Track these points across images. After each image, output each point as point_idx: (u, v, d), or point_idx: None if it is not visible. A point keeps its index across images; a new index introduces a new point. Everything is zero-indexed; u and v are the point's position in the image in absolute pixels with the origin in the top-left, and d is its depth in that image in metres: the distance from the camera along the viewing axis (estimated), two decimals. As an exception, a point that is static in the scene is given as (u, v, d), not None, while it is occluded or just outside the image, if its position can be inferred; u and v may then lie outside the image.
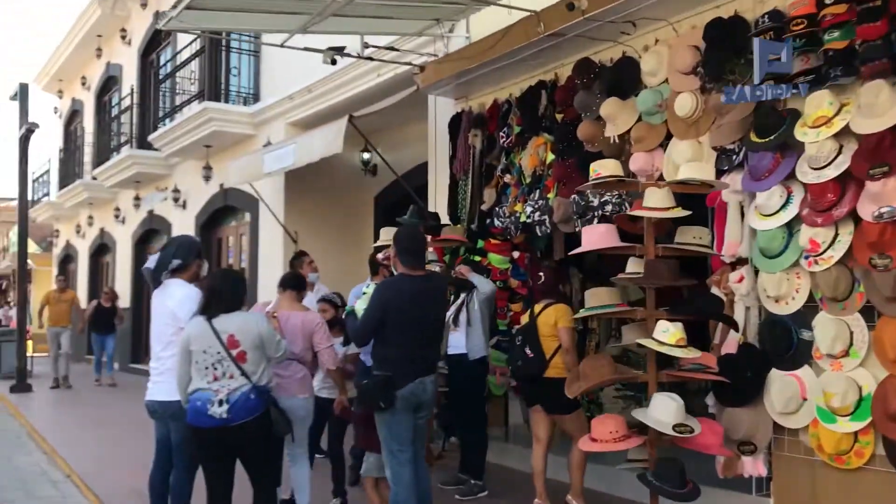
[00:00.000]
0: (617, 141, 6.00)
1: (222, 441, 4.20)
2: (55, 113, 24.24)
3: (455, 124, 7.94)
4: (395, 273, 4.79)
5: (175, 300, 4.60)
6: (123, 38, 18.35)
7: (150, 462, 4.89)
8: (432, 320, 4.69)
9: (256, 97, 12.56)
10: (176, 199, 14.92)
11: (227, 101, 12.96)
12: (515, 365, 5.40)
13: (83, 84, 21.32)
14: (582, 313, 5.01)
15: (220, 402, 4.12)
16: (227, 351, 4.20)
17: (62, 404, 12.58)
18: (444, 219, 7.72)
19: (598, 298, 4.93)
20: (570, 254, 5.41)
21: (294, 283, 5.42)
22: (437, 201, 8.13)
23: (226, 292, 4.35)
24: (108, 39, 19.23)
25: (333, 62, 7.37)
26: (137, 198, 16.67)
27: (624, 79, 6.10)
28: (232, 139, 12.53)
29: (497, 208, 7.17)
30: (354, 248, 11.61)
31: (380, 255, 6.09)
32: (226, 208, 13.66)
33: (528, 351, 5.24)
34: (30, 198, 17.45)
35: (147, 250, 17.55)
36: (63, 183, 21.38)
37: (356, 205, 11.95)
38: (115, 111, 18.75)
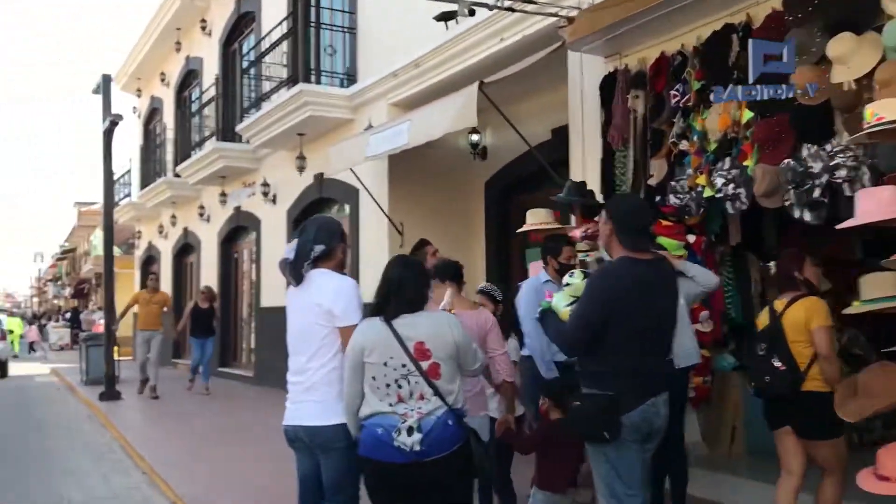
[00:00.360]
0: (853, 87, 4.69)
1: (411, 481, 3.15)
2: (134, 112, 23.83)
3: (608, 86, 6.72)
4: (610, 257, 3.60)
5: (327, 294, 3.53)
6: (203, 28, 17.69)
7: (279, 494, 3.79)
8: (664, 319, 3.51)
9: (353, 78, 11.51)
10: (265, 194, 14.05)
11: (318, 84, 11.94)
12: (762, 382, 4.11)
13: (162, 80, 20.80)
14: (858, 308, 3.73)
15: (410, 430, 3.08)
16: (416, 363, 3.12)
17: (155, 414, 11.65)
18: (599, 197, 6.52)
19: (877, 287, 3.66)
20: (839, 227, 4.11)
21: (457, 272, 4.32)
22: (587, 177, 6.88)
23: (408, 285, 3.27)
24: (187, 32, 18.59)
25: (472, 13, 6.27)
26: (223, 194, 15.84)
27: (856, 9, 4.81)
28: (328, 125, 11.52)
29: (672, 182, 5.94)
30: (465, 239, 10.53)
31: (576, 232, 4.89)
32: (321, 200, 12.68)
33: (776, 363, 3.98)
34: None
35: (233, 249, 16.81)
36: (144, 183, 20.92)
37: (465, 192, 10.83)
38: (195, 106, 18.08)
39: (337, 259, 3.71)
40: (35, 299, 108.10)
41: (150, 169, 20.88)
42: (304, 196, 12.87)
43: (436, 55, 9.13)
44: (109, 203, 14.49)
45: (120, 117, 13.79)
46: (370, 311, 3.29)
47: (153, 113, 22.36)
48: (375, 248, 10.66)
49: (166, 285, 20.22)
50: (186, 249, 19.63)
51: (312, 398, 3.55)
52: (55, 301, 76.10)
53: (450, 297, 3.94)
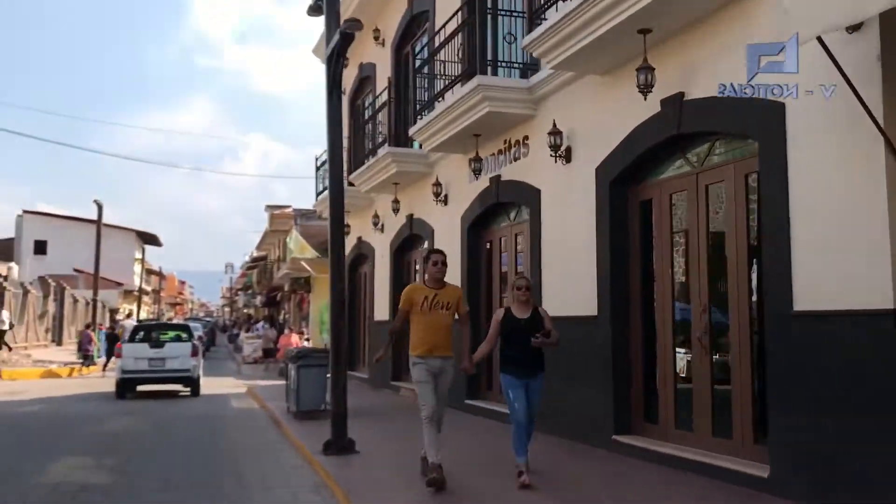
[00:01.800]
0: None
1: None
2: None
3: None
4: None
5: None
6: (377, 38, 17.24)
7: None
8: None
9: (534, 67, 10.38)
10: (437, 195, 13.27)
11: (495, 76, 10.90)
12: None
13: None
14: None
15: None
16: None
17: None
18: None
19: None
20: None
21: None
22: None
23: None
24: (359, 40, 18.24)
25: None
26: (396, 201, 15.28)
27: None
28: (506, 122, 10.53)
29: None
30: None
31: None
32: (498, 206, 11.70)
33: None
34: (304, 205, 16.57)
35: (405, 258, 16.22)
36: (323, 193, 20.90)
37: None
38: (369, 113, 17.73)
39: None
40: (226, 309, 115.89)
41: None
42: (481, 200, 11.91)
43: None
44: (337, 171, 9.92)
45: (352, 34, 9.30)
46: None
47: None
48: (578, 255, 9.41)
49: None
50: (360, 260, 19.30)
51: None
52: (245, 310, 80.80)
53: None
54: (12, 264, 51.18)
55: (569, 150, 9.30)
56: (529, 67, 10.49)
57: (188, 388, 17.36)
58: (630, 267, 8.41)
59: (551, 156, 9.33)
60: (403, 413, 11.98)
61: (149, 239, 70.83)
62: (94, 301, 26.91)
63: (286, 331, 20.69)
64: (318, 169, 18.63)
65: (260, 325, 31.59)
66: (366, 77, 18.52)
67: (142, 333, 18.50)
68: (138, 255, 68.98)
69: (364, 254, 18.66)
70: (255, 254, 57.12)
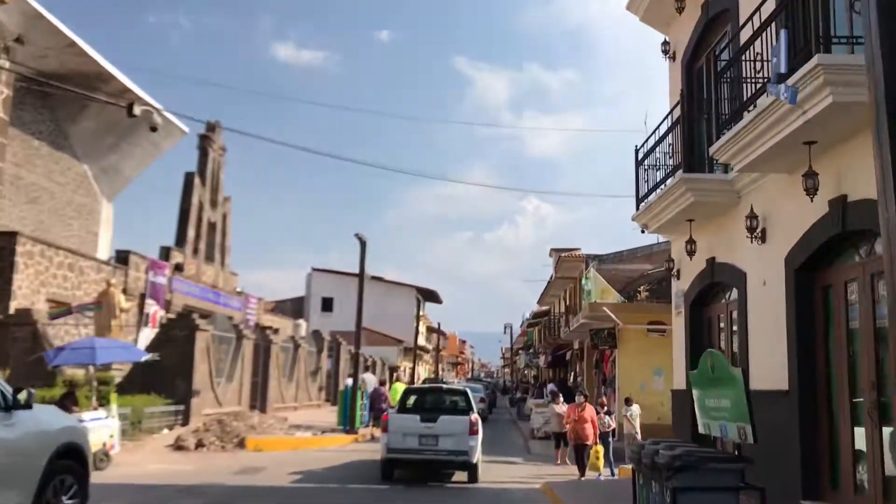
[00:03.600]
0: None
1: None
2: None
3: None
4: None
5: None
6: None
7: None
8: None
9: None
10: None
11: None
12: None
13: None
14: None
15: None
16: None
17: None
18: None
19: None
20: None
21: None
22: None
23: None
24: None
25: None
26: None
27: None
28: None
29: None
30: None
31: None
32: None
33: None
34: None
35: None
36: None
37: None
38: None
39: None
40: (506, 370, 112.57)
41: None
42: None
43: None
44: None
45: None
46: None
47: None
48: None
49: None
50: (711, 294, 13.01)
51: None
52: (526, 371, 76.21)
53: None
54: (300, 321, 50.94)
55: None
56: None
57: (464, 472, 13.60)
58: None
59: None
60: None
61: (429, 295, 68.98)
62: (356, 354, 22.85)
63: (579, 397, 14.51)
64: (639, 163, 12.63)
65: (550, 386, 25.94)
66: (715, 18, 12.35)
67: (413, 399, 15.43)
68: (419, 312, 67.63)
69: (723, 283, 12.23)
70: (537, 309, 52.11)
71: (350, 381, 23.45)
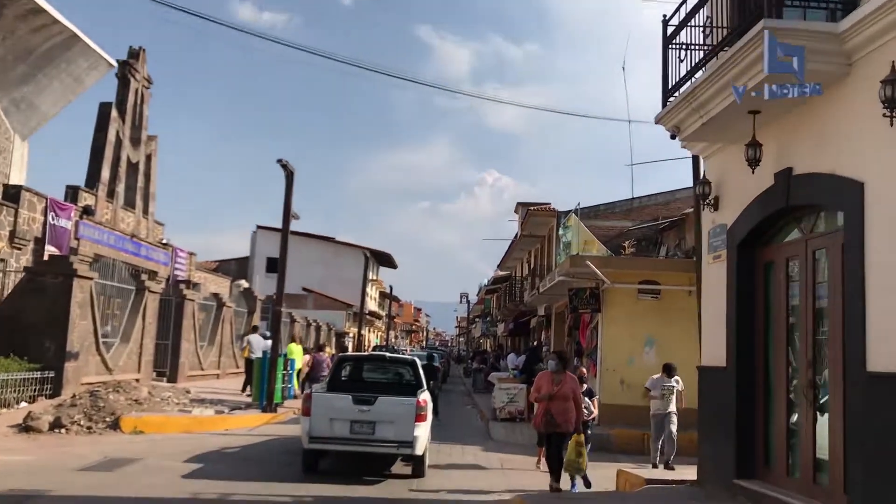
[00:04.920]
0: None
1: None
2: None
3: None
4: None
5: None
6: None
7: None
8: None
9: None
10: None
11: None
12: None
13: None
14: None
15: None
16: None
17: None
18: None
19: None
20: None
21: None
22: None
23: None
24: None
25: None
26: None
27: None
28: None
29: None
30: None
31: None
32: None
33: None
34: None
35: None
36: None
37: None
38: None
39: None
40: (461, 339, 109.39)
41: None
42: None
43: None
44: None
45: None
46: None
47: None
48: None
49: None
50: (778, 221, 9.35)
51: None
52: (481, 340, 72.82)
53: None
54: (241, 281, 46.61)
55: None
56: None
57: (407, 464, 11.04)
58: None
59: None
60: None
61: (382, 259, 65.07)
62: (277, 310, 18.61)
63: (555, 363, 10.45)
64: (669, 39, 8.61)
65: (511, 357, 22.40)
66: None
67: (347, 370, 12.82)
68: (371, 276, 63.74)
69: (806, 206, 8.50)
70: (497, 274, 48.57)
71: (259, 343, 19.99)
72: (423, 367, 13.30)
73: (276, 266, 61.54)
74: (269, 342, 21.10)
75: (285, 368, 17.93)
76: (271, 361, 16.23)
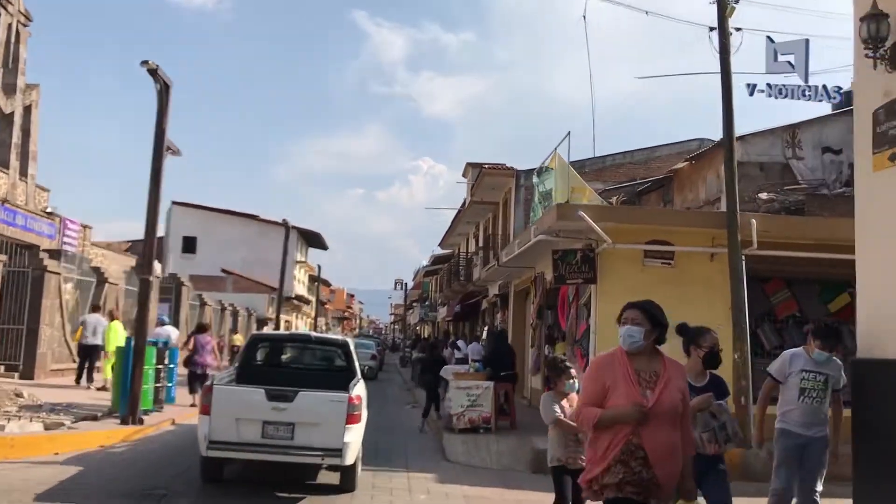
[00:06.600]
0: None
1: None
2: None
3: None
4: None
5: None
6: None
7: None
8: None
9: None
10: None
11: None
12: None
13: None
14: None
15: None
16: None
17: None
18: None
19: None
20: None
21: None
22: None
23: None
24: None
25: None
26: None
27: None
28: None
29: None
30: None
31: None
32: None
33: None
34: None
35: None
36: None
37: None
38: None
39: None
40: (395, 327, 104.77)
41: None
42: None
43: None
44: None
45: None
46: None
47: None
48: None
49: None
50: None
51: None
52: (419, 327, 68.44)
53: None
54: (155, 263, 41.17)
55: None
56: None
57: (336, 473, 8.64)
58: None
59: None
60: None
61: (311, 239, 60.04)
62: (145, 279, 13.25)
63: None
64: None
65: (473, 346, 18.15)
66: None
67: (261, 355, 10.35)
68: (300, 258, 58.77)
69: None
70: (438, 253, 44.21)
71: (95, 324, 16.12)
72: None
73: (193, 246, 56.19)
74: (171, 329, 16.60)
75: (162, 362, 13.15)
76: (136, 351, 11.44)
